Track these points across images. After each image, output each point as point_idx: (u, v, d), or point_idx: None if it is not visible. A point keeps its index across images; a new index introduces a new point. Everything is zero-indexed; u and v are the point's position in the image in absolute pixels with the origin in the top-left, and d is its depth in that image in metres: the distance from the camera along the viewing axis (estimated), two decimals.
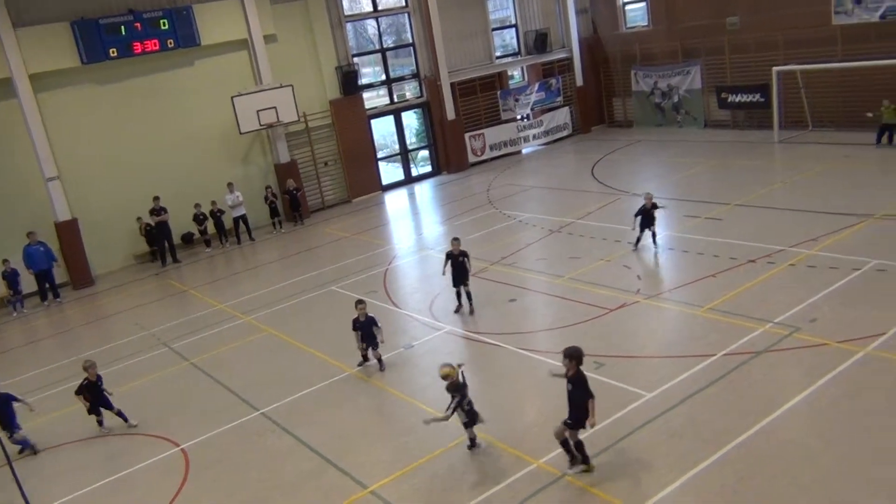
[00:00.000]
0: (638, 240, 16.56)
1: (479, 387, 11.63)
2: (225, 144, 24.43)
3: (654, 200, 16.42)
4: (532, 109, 30.66)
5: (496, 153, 29.89)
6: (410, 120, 30.13)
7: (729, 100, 27.56)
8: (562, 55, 31.66)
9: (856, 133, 23.64)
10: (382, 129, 29.14)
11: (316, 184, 26.53)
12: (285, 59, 25.17)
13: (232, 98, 23.40)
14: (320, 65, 26.08)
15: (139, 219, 22.70)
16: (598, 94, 32.85)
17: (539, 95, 30.66)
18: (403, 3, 28.11)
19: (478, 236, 19.72)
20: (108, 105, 22.47)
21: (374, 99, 28.39)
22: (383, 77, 28.52)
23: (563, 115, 31.58)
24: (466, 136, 29.20)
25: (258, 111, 23.75)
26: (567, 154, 29.39)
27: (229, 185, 23.34)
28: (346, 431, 11.07)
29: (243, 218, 23.55)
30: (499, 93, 30.03)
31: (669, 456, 9.09)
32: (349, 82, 26.37)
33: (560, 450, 9.11)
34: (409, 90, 29.30)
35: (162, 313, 18.04)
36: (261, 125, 23.99)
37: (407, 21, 28.43)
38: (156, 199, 22.18)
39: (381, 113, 28.30)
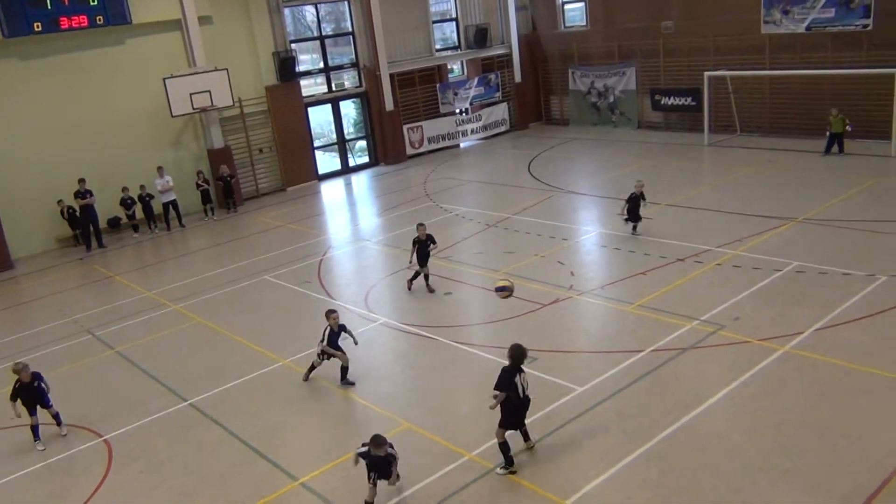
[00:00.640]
0: (634, 227, 16.80)
1: (412, 379, 11.67)
2: (156, 127, 23.72)
3: (643, 189, 16.58)
4: (471, 104, 30.81)
5: (434, 146, 29.93)
6: (348, 109, 29.86)
7: (662, 102, 28.28)
8: (501, 51, 31.87)
9: (780, 139, 24.60)
10: (320, 118, 28.82)
11: (250, 171, 26.04)
12: (220, 42, 24.58)
13: (164, 80, 22.72)
14: (257, 50, 25.57)
15: (60, 201, 21.79)
16: (536, 92, 33.21)
17: (478, 90, 30.82)
18: None
19: (414, 229, 19.68)
20: (31, 82, 21.52)
21: (311, 87, 28.01)
22: (321, 65, 28.17)
23: (501, 111, 31.83)
24: (405, 127, 29.14)
25: (191, 94, 23.12)
26: (504, 150, 29.64)
27: (159, 169, 22.68)
28: (277, 423, 10.92)
29: (173, 203, 22.93)
30: (438, 86, 30.06)
31: (598, 449, 9.29)
32: (286, 69, 25.95)
33: (492, 441, 9.20)
34: (348, 79, 29.02)
35: (86, 300, 17.44)
36: (194, 109, 23.37)
37: (347, 9, 28.13)
38: (81, 181, 21.36)
39: (318, 101, 27.96)
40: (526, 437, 9.39)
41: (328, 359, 11.69)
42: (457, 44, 31.51)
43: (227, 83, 23.82)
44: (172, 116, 23.22)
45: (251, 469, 9.81)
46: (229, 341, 14.00)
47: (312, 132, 27.76)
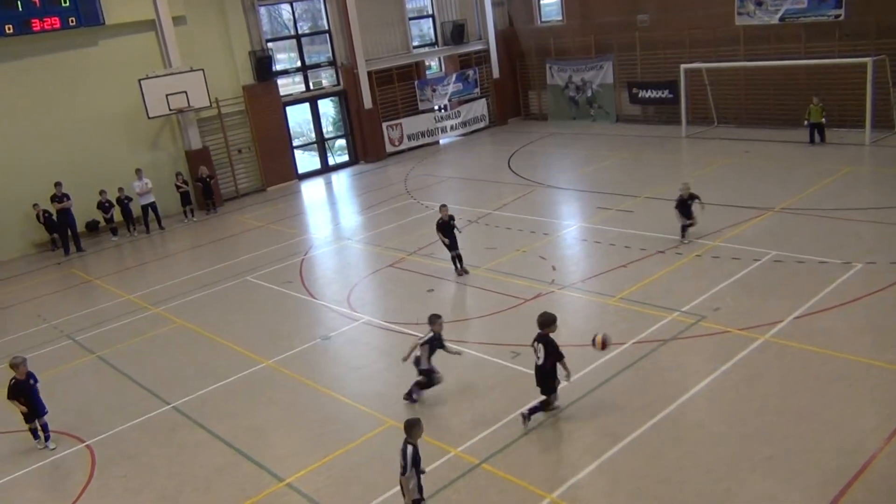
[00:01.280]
0: (684, 229, 15.66)
1: (396, 377, 11.66)
2: (132, 129, 23.50)
3: (690, 191, 15.63)
4: (449, 100, 30.79)
5: (414, 143, 29.89)
6: (327, 108, 29.75)
7: (640, 95, 28.45)
8: (478, 47, 31.88)
9: (757, 129, 24.83)
10: (298, 117, 28.71)
11: (229, 171, 25.88)
12: (196, 42, 24.39)
13: (139, 81, 22.52)
14: (233, 49, 25.40)
15: (35, 205, 21.51)
16: (515, 87, 33.27)
17: (456, 86, 30.80)
18: None
19: (395, 226, 19.71)
20: (3, 84, 21.25)
21: (289, 86, 27.87)
22: (298, 64, 28.04)
23: (480, 107, 31.86)
24: (384, 125, 29.08)
25: (167, 95, 22.94)
26: (484, 145, 29.67)
27: (137, 171, 22.47)
28: (261, 424, 10.89)
29: (152, 205, 22.74)
30: (416, 83, 30.01)
31: (582, 442, 9.37)
32: (263, 68, 25.81)
33: (478, 437, 9.24)
34: (326, 78, 28.91)
35: (65, 304, 17.26)
36: (170, 110, 23.19)
37: (322, 7, 28.01)
38: (57, 184, 21.13)
39: (296, 100, 27.83)
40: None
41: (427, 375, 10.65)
42: (434, 40, 31.48)
43: (203, 83, 23.65)
44: (149, 118, 23.03)
45: (236, 471, 9.78)
46: (212, 343, 13.93)
47: (291, 131, 27.64)
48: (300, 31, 27.97)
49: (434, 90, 30.22)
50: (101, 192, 22.23)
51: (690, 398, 9.97)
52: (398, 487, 8.14)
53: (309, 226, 21.84)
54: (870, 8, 22.21)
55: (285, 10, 27.64)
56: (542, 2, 31.91)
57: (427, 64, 31.64)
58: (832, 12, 22.84)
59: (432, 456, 9.38)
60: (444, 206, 15.67)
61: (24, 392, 10.83)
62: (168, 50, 23.61)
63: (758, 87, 25.41)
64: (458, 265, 15.52)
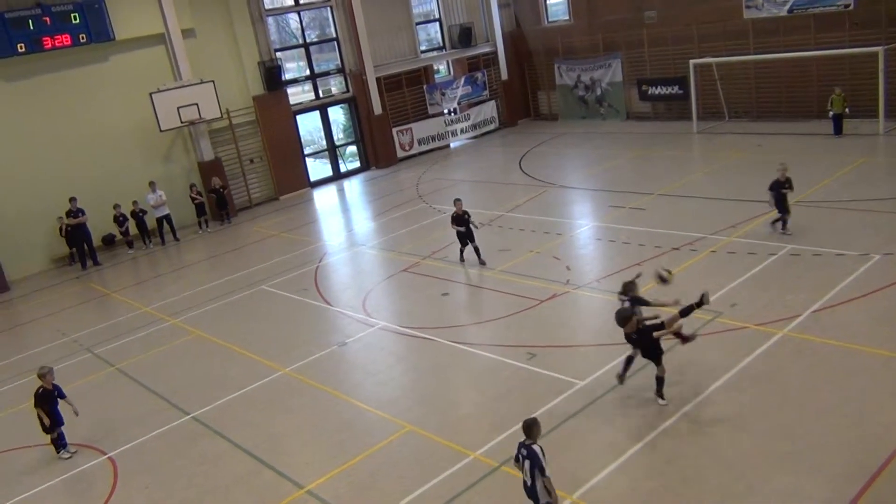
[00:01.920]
0: (783, 222, 14.75)
1: (413, 381, 11.69)
2: (145, 143, 23.70)
3: (787, 174, 14.47)
4: (459, 103, 30.83)
5: (424, 147, 29.94)
6: (337, 115, 29.85)
7: (649, 92, 28.34)
8: (486, 49, 31.89)
9: (769, 123, 24.67)
10: (309, 125, 28.81)
11: (242, 181, 26.02)
12: (205, 54, 24.57)
13: (151, 95, 22.70)
14: (242, 60, 25.55)
15: (60, 218, 21.68)
16: (524, 88, 33.24)
17: (465, 89, 30.83)
18: None
19: (408, 231, 19.74)
20: (18, 102, 21.48)
21: (298, 94, 28.01)
22: (307, 72, 28.16)
23: (489, 109, 31.87)
24: (394, 130, 29.15)
25: (179, 108, 23.11)
26: (495, 147, 29.67)
27: (151, 184, 22.65)
28: (281, 432, 10.94)
29: (167, 218, 22.91)
30: (425, 87, 30.08)
31: (601, 442, 9.34)
32: (272, 78, 25.94)
33: (496, 440, 9.22)
34: (335, 85, 29.02)
35: (84, 318, 17.41)
36: (182, 122, 23.35)
37: (330, 15, 28.12)
38: (72, 200, 21.33)
39: (306, 108, 27.95)
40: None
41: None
42: (441, 44, 31.53)
43: (213, 95, 23.81)
44: (161, 131, 23.21)
45: (257, 479, 9.82)
46: (229, 353, 14.00)
47: (302, 140, 27.75)
48: (308, 40, 28.10)
49: (443, 94, 30.26)
50: (116, 206, 22.41)
51: (709, 395, 9.91)
52: (419, 491, 8.10)
53: (322, 233, 21.91)
54: None
55: (293, 19, 27.78)
56: (548, 2, 31.89)
57: (435, 68, 31.69)
58: (841, 2, 22.67)
59: (451, 460, 9.39)
60: (458, 199, 16.25)
61: (49, 402, 11.02)
62: (178, 63, 23.78)
63: (768, 80, 25.25)
64: (477, 256, 16.09)
